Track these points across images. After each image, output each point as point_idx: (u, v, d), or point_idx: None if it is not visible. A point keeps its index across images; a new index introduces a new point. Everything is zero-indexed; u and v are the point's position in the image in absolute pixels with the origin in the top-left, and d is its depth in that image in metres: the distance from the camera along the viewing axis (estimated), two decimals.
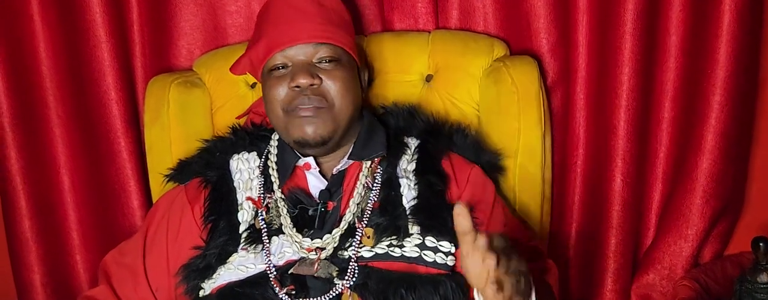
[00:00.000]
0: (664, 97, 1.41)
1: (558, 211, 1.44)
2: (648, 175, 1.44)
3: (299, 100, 1.13)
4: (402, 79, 1.37)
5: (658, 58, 1.39)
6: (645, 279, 1.45)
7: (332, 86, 1.14)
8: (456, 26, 1.43)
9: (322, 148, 1.16)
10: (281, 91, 1.14)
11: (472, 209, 1.12)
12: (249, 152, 1.23)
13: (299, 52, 1.15)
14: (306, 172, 1.18)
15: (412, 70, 1.37)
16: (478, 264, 0.89)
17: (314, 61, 1.15)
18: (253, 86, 1.40)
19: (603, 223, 1.41)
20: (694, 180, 1.37)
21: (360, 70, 1.23)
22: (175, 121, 1.36)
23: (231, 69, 1.25)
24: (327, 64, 1.16)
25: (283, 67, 1.16)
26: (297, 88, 1.13)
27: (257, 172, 1.20)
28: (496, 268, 0.89)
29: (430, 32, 1.40)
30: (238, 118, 1.33)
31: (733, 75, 1.31)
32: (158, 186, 1.36)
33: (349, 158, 1.17)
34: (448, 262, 1.11)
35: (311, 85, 1.13)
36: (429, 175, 1.16)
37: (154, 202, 1.41)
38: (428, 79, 1.38)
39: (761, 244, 1.23)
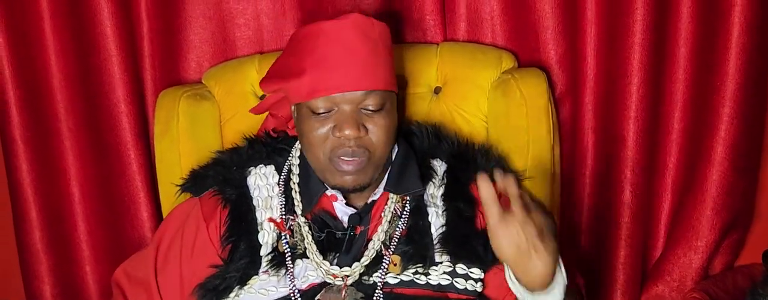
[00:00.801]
0: (673, 107, 1.41)
1: (567, 222, 1.43)
2: (657, 186, 1.44)
3: (343, 151, 1.10)
4: (411, 92, 1.37)
5: (667, 70, 1.39)
6: (654, 291, 1.45)
7: (376, 135, 1.11)
8: (464, 38, 1.43)
9: (353, 192, 1.14)
10: (323, 136, 1.10)
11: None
12: (266, 166, 1.21)
13: (346, 99, 1.09)
14: (333, 202, 1.16)
15: (420, 82, 1.37)
16: (510, 233, 0.90)
17: (360, 107, 1.11)
18: (262, 98, 1.40)
19: (612, 235, 1.41)
20: (704, 191, 1.37)
21: (398, 94, 1.19)
22: (185, 134, 1.36)
23: (262, 85, 1.21)
24: (372, 112, 1.11)
25: (325, 111, 1.11)
26: (340, 138, 1.10)
27: (277, 189, 1.18)
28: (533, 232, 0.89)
29: (438, 45, 1.41)
30: (253, 111, 1.29)
31: (742, 87, 1.31)
32: (168, 198, 1.36)
33: (384, 189, 1.15)
34: (477, 288, 1.11)
35: (357, 137, 1.09)
36: (457, 201, 1.15)
37: (163, 213, 1.41)
38: (437, 91, 1.38)
39: None
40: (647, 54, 1.34)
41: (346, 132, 1.08)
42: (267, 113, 1.28)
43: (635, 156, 1.37)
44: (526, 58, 1.43)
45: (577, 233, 1.44)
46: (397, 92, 1.17)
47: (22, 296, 1.50)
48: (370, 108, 1.11)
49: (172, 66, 1.46)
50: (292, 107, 1.19)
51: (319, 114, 1.11)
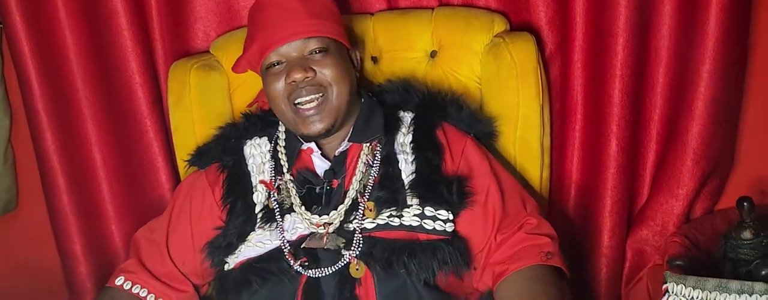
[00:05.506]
0: (658, 62, 1.46)
1: (558, 173, 1.52)
2: (642, 138, 1.52)
3: (296, 93, 1.22)
4: (408, 56, 1.44)
5: (651, 26, 1.44)
6: (639, 235, 1.55)
7: (327, 74, 1.23)
8: (458, 1, 1.49)
9: (324, 136, 1.26)
10: (279, 86, 1.23)
11: (468, 179, 1.23)
12: (260, 137, 1.33)
13: (291, 49, 1.23)
14: (311, 155, 1.28)
15: (416, 47, 1.44)
16: None
17: (306, 54, 1.23)
18: None
19: (600, 185, 1.50)
20: (685, 143, 1.44)
21: (350, 52, 1.31)
22: (197, 103, 1.45)
23: (233, 69, 1.33)
24: (317, 55, 1.23)
25: (278, 64, 1.24)
26: (293, 83, 1.22)
27: (268, 155, 1.30)
28: None
29: (433, 9, 1.47)
30: (249, 106, 1.42)
31: (722, 44, 1.36)
32: (184, 162, 1.46)
33: (348, 141, 1.27)
34: (447, 229, 1.22)
35: (306, 77, 1.21)
36: (425, 149, 1.25)
37: (180, 176, 1.52)
38: (432, 55, 1.45)
39: (745, 203, 1.32)
40: (633, 14, 1.39)
41: (295, 75, 1.21)
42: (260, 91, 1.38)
43: (620, 112, 1.44)
44: (518, 20, 1.49)
45: (567, 184, 1.53)
46: (347, 47, 1.28)
47: (56, 256, 1.61)
48: (316, 52, 1.23)
49: (180, 36, 1.53)
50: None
51: (273, 68, 1.23)
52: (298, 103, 1.23)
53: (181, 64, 1.47)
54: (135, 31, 1.49)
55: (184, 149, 1.46)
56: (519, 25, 1.49)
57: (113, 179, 1.58)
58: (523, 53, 1.38)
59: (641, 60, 1.45)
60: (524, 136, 1.40)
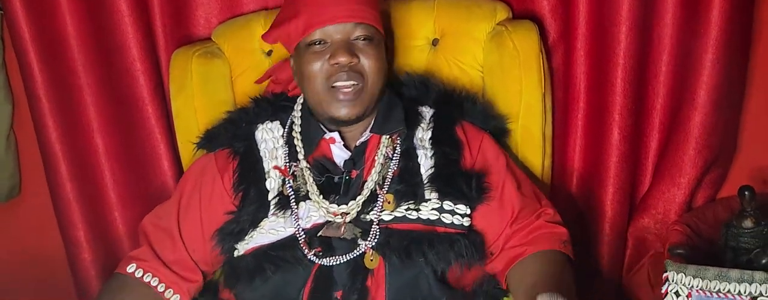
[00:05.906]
0: (661, 51, 1.46)
1: (560, 162, 1.53)
2: (645, 127, 1.52)
3: (337, 76, 1.21)
4: (410, 45, 1.44)
5: (655, 14, 1.44)
6: (641, 223, 1.55)
7: (368, 64, 1.22)
8: None
9: (349, 124, 1.25)
10: (319, 66, 1.21)
11: (485, 175, 1.24)
12: (272, 122, 1.32)
13: (338, 30, 1.21)
14: (332, 144, 1.26)
15: (419, 35, 1.44)
16: None
17: (351, 39, 1.22)
18: (269, 54, 1.48)
19: (602, 173, 1.50)
20: (688, 132, 1.44)
21: (386, 42, 1.30)
22: (199, 91, 1.45)
23: (263, 37, 1.31)
24: (362, 42, 1.22)
25: (320, 43, 1.22)
26: (336, 65, 1.20)
27: (281, 141, 1.29)
28: None
29: None
30: (257, 82, 1.42)
31: (725, 33, 1.36)
32: (187, 150, 1.47)
33: (370, 132, 1.26)
34: (464, 223, 1.22)
35: (350, 62, 1.20)
36: (444, 145, 1.25)
37: (182, 162, 1.52)
38: (435, 43, 1.44)
39: (746, 192, 1.32)
40: (636, 1, 1.39)
41: (341, 58, 1.19)
42: (268, 81, 1.38)
43: (622, 100, 1.44)
44: (520, 8, 1.48)
45: (569, 173, 1.53)
46: (384, 37, 1.26)
47: (60, 243, 1.62)
48: (361, 38, 1.22)
49: (181, 23, 1.53)
50: (292, 62, 1.29)
51: (315, 46, 1.21)
52: (335, 86, 1.21)
53: (182, 52, 1.47)
54: (136, 18, 1.48)
55: (185, 136, 1.46)
56: (521, 13, 1.48)
57: (115, 166, 1.58)
58: (525, 42, 1.38)
59: (644, 49, 1.45)
60: (526, 124, 1.40)
